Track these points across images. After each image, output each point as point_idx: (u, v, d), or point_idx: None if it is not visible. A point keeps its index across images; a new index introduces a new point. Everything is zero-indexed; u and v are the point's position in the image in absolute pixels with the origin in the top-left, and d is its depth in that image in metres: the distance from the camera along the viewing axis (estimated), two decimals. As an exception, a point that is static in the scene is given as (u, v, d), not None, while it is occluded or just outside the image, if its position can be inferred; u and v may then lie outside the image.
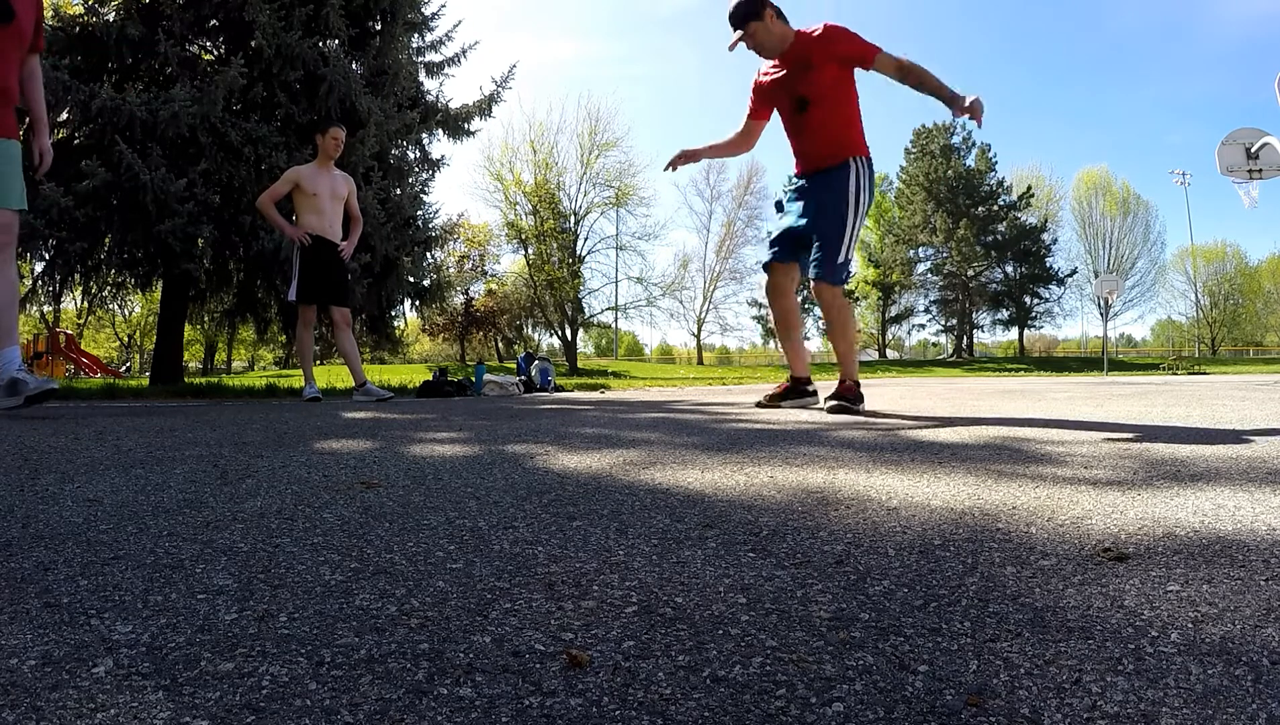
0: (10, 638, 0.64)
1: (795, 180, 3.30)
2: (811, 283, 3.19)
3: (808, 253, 3.18)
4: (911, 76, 3.01)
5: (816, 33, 3.05)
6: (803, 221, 3.20)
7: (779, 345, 3.67)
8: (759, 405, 3.54)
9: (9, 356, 2.94)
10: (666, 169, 3.54)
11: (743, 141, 3.46)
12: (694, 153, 3.50)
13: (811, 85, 3.07)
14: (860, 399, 3.24)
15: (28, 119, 3.23)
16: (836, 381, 3.36)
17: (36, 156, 3.21)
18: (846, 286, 3.31)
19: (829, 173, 3.13)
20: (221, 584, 0.79)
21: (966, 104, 2.97)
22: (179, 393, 5.63)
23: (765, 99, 3.32)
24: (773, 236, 3.37)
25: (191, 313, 8.40)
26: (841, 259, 3.12)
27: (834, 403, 3.16)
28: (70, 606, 0.72)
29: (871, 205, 3.25)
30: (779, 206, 3.40)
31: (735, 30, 3.10)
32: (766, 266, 3.38)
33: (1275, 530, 0.97)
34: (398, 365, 25.33)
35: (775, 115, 3.36)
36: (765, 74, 3.27)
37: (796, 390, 3.51)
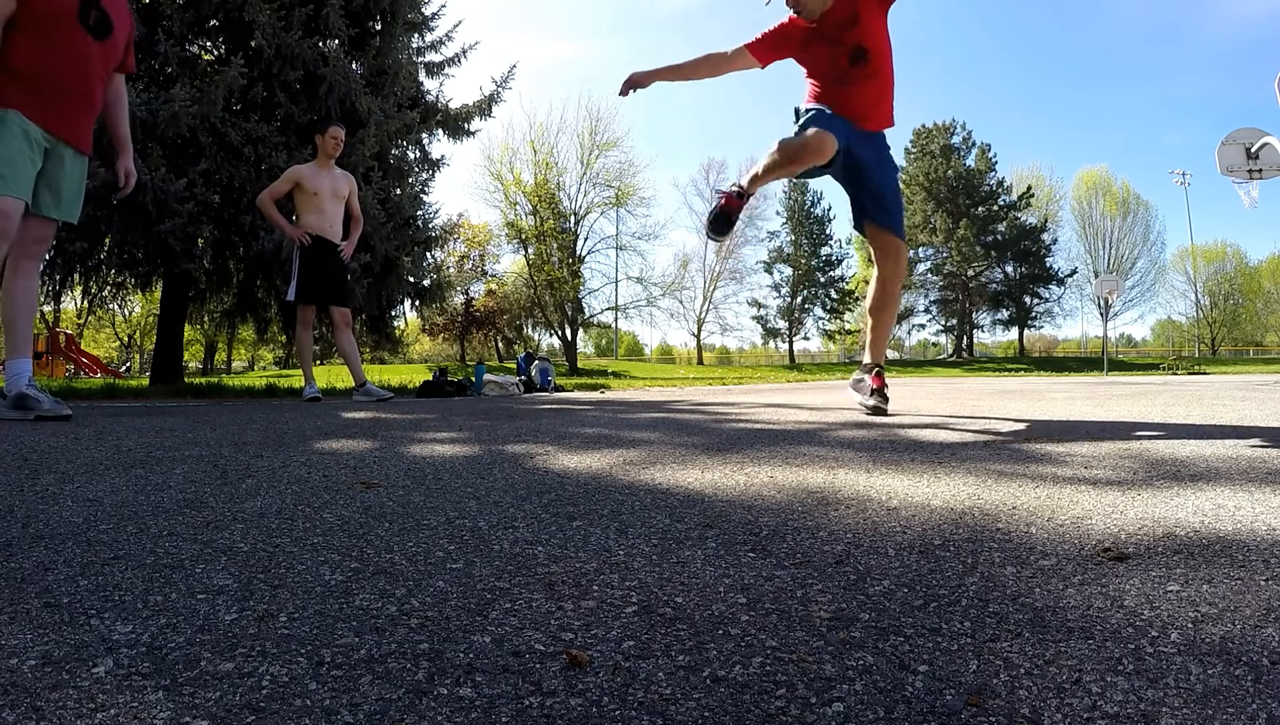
0: (10, 638, 0.64)
1: (842, 118, 2.91)
2: (892, 238, 2.97)
3: (866, 202, 2.98)
4: None
5: None
6: (862, 164, 2.93)
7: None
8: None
9: (20, 367, 2.86)
10: (622, 94, 3.15)
11: (719, 66, 3.06)
12: (643, 77, 3.12)
13: (866, 35, 2.83)
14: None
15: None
16: (866, 369, 3.10)
17: (122, 177, 3.21)
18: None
19: (879, 136, 2.99)
20: (221, 584, 0.79)
21: None
22: (179, 393, 5.63)
23: (790, 41, 2.96)
24: (829, 122, 2.82)
25: (191, 313, 8.40)
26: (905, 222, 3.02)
27: (877, 402, 2.96)
28: (70, 606, 0.72)
29: None
30: (812, 118, 2.89)
31: None
32: (867, 229, 2.99)
33: (1275, 530, 0.97)
34: (398, 365, 25.34)
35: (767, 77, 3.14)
36: (801, 21, 2.93)
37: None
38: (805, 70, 3.02)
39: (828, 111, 2.89)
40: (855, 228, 3.14)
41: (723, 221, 3.04)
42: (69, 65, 2.78)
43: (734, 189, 3.02)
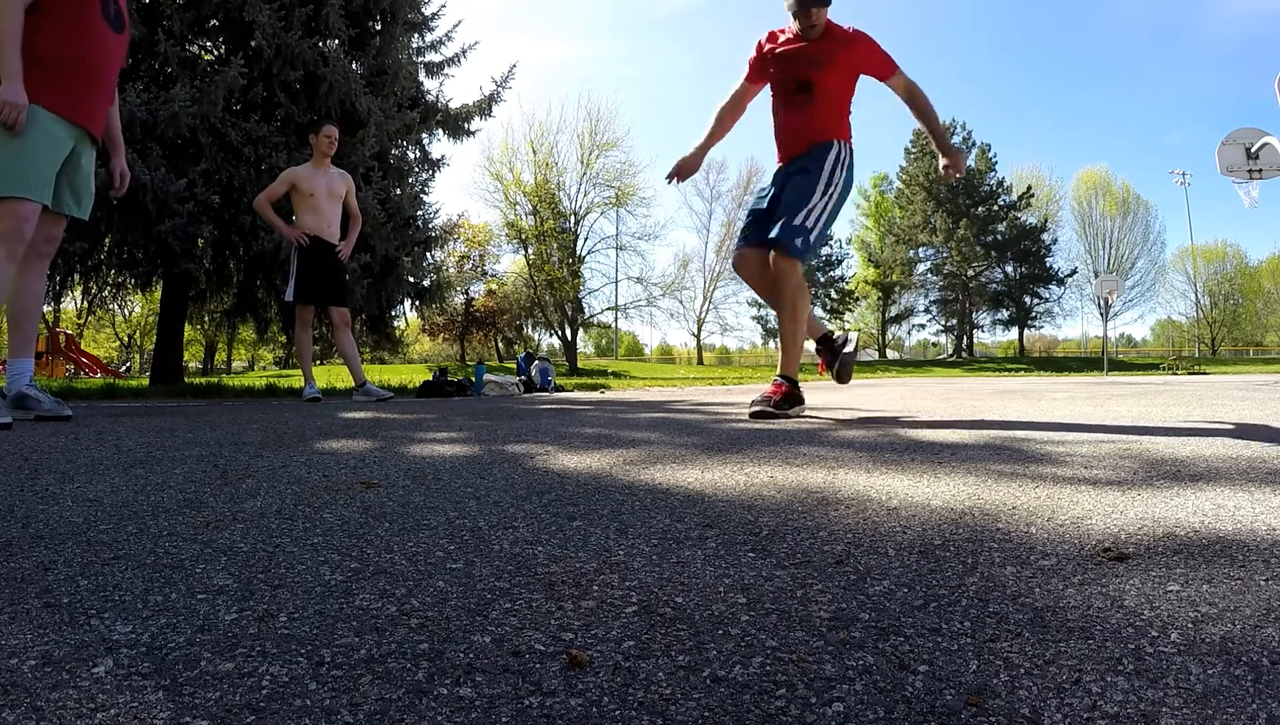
0: (10, 638, 0.64)
1: (776, 171, 3.20)
2: (770, 250, 2.98)
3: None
4: (916, 103, 3.10)
5: (846, 33, 3.02)
6: (767, 197, 3.11)
7: (778, 342, 3.23)
8: (756, 417, 2.89)
9: (21, 367, 2.84)
10: (670, 181, 3.28)
11: (733, 112, 3.29)
12: (692, 160, 3.26)
13: (822, 77, 3.01)
14: (796, 401, 2.95)
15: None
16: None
17: (117, 178, 3.18)
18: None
19: (809, 151, 3.04)
20: (221, 584, 0.79)
21: (955, 158, 3.08)
22: (179, 393, 5.63)
23: (766, 64, 3.15)
24: (745, 223, 3.22)
25: (191, 313, 8.39)
26: (799, 223, 2.89)
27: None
28: (70, 606, 0.72)
29: (849, 192, 3.11)
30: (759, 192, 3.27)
31: (814, 8, 2.93)
32: (737, 254, 3.17)
33: (1275, 530, 0.97)
34: (398, 365, 25.33)
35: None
36: (774, 41, 3.12)
37: (797, 396, 3.01)
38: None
39: (749, 213, 3.23)
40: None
41: (786, 403, 2.93)
42: (92, 53, 2.76)
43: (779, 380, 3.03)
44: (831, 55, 3.00)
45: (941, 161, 3.14)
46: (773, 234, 2.94)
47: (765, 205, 3.13)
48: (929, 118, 3.11)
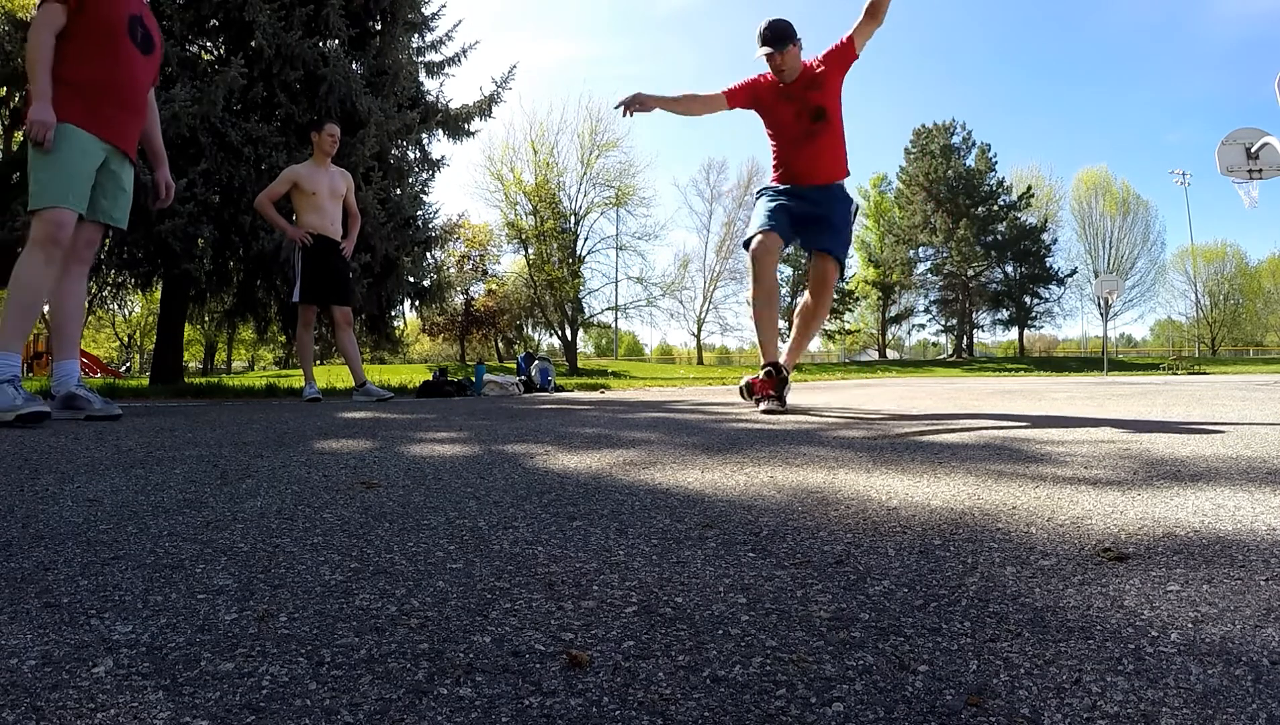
0: (10, 638, 0.64)
1: (787, 188, 3.37)
2: (827, 258, 3.33)
3: (814, 235, 3.34)
4: (875, 8, 3.22)
5: (813, 65, 3.30)
6: (813, 210, 3.31)
7: (759, 332, 3.35)
8: (759, 405, 3.22)
9: (68, 369, 2.97)
10: (618, 108, 3.38)
11: (703, 106, 3.44)
12: (650, 100, 3.37)
13: (826, 96, 3.26)
14: (785, 383, 3.26)
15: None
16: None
17: (162, 190, 3.31)
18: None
19: (831, 187, 3.37)
20: (221, 584, 0.79)
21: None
22: (179, 393, 5.63)
23: (758, 100, 3.36)
24: (771, 211, 3.31)
25: (191, 313, 8.40)
26: (845, 243, 3.38)
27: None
28: (70, 606, 0.72)
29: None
30: (768, 195, 3.40)
31: (774, 47, 3.19)
32: (761, 235, 3.23)
33: (1275, 530, 0.97)
34: (398, 365, 25.31)
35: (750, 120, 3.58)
36: (772, 80, 3.34)
37: (784, 379, 3.27)
38: (768, 129, 3.42)
39: (771, 206, 3.34)
40: (805, 249, 3.50)
41: (781, 387, 3.22)
42: (122, 77, 2.90)
43: (766, 370, 3.23)
44: (818, 75, 3.25)
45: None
46: (834, 249, 3.33)
47: (809, 210, 3.32)
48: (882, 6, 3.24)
